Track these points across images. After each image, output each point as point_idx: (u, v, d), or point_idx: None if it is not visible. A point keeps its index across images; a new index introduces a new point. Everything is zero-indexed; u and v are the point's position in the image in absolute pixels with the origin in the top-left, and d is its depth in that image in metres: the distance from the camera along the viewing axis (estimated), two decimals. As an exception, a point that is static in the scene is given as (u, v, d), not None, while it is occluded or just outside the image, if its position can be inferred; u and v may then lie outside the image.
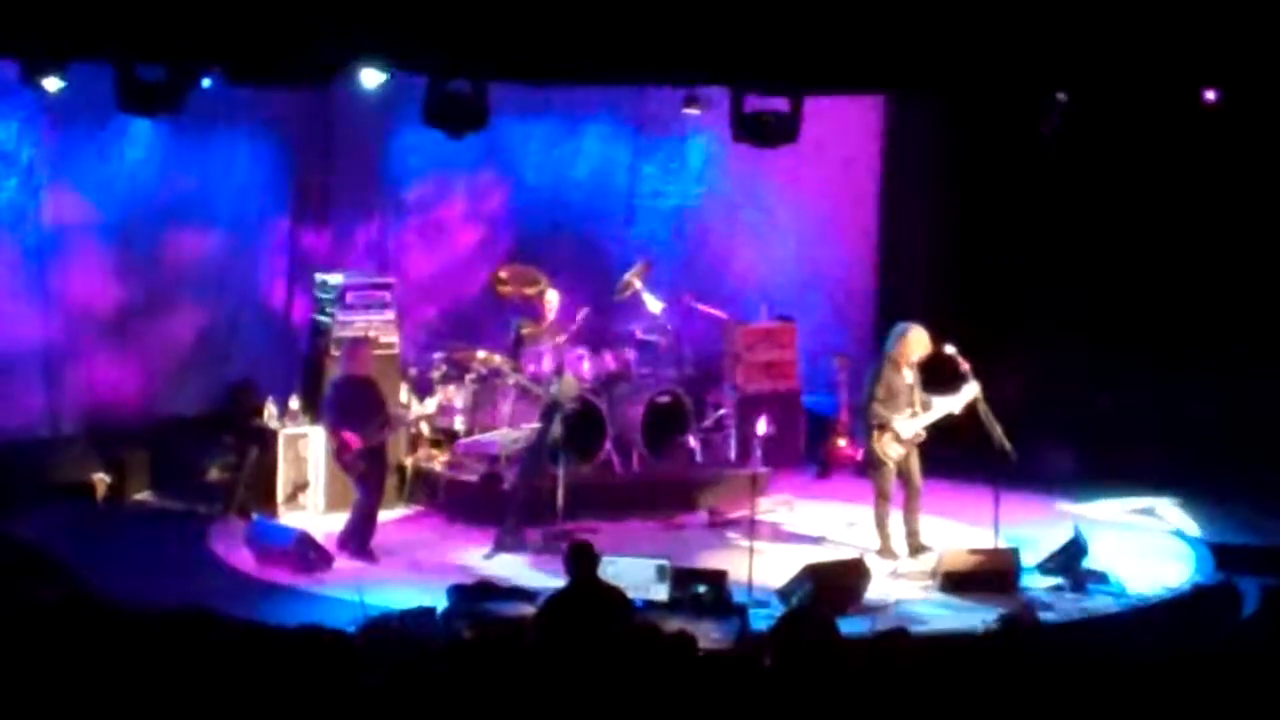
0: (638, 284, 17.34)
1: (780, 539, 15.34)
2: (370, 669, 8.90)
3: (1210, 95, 14.72)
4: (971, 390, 14.49)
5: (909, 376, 14.70)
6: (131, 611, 9.43)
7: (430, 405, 15.77)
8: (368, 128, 17.37)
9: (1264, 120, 15.86)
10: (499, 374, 16.47)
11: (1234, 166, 16.81)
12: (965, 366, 14.56)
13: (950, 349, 14.61)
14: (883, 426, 14.60)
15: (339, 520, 15.04)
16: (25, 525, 14.49)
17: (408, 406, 15.96)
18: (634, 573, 12.81)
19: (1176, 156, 16.79)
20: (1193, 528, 15.74)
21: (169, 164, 16.64)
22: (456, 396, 16.47)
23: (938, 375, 14.79)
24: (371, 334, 16.04)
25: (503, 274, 17.22)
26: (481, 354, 16.52)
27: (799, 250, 19.10)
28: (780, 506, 16.22)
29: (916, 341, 14.66)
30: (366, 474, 14.74)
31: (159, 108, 13.38)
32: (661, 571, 13.09)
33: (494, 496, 15.65)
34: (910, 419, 14.61)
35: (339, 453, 14.82)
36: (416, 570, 14.38)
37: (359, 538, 14.68)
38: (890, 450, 14.64)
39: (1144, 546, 15.37)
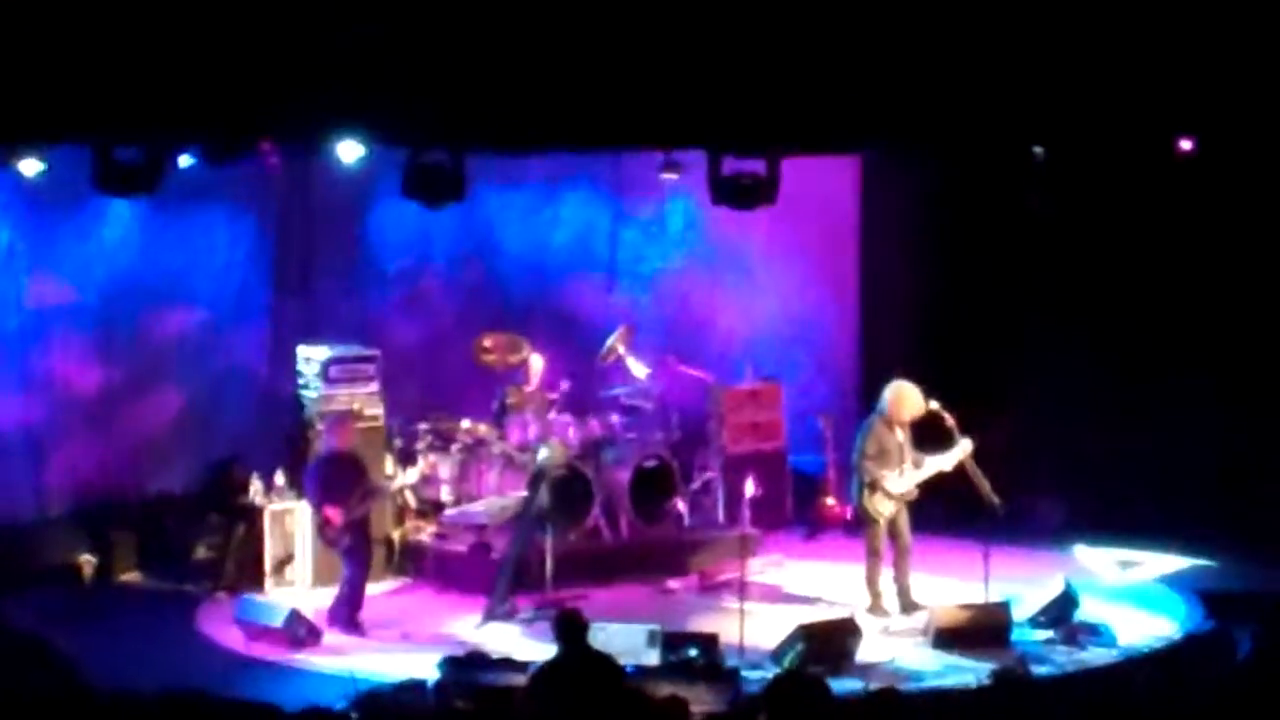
0: (621, 349, 17.34)
1: (771, 600, 15.30)
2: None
3: (1186, 145, 14.81)
4: (964, 448, 14.49)
5: (900, 435, 14.70)
6: (125, 696, 9.39)
7: (413, 475, 15.73)
8: (347, 201, 17.39)
9: (1241, 167, 15.93)
10: (484, 443, 16.46)
11: (1213, 213, 16.85)
12: (951, 422, 14.58)
13: (935, 405, 14.63)
14: (873, 484, 14.61)
15: (327, 595, 15.00)
16: (13, 609, 14.42)
17: (393, 478, 15.94)
18: (624, 639, 12.77)
19: (1156, 205, 16.84)
20: (1181, 576, 15.77)
21: (149, 243, 16.64)
22: (442, 467, 16.44)
23: (926, 432, 14.79)
24: (356, 407, 16.04)
25: (486, 343, 17.20)
26: (466, 423, 16.53)
27: (782, 310, 19.13)
28: (770, 567, 16.19)
29: (908, 399, 14.67)
30: (351, 548, 14.72)
31: (137, 188, 13.42)
32: (652, 636, 13.05)
33: (483, 566, 15.62)
34: (901, 477, 14.61)
35: (322, 529, 14.82)
36: (407, 642, 14.33)
37: (347, 612, 14.63)
38: (881, 508, 14.63)
39: (1135, 597, 15.37)
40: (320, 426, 15.89)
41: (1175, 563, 16.14)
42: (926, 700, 10.95)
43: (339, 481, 14.75)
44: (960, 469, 14.53)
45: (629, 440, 16.96)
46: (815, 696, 8.52)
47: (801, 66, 13.44)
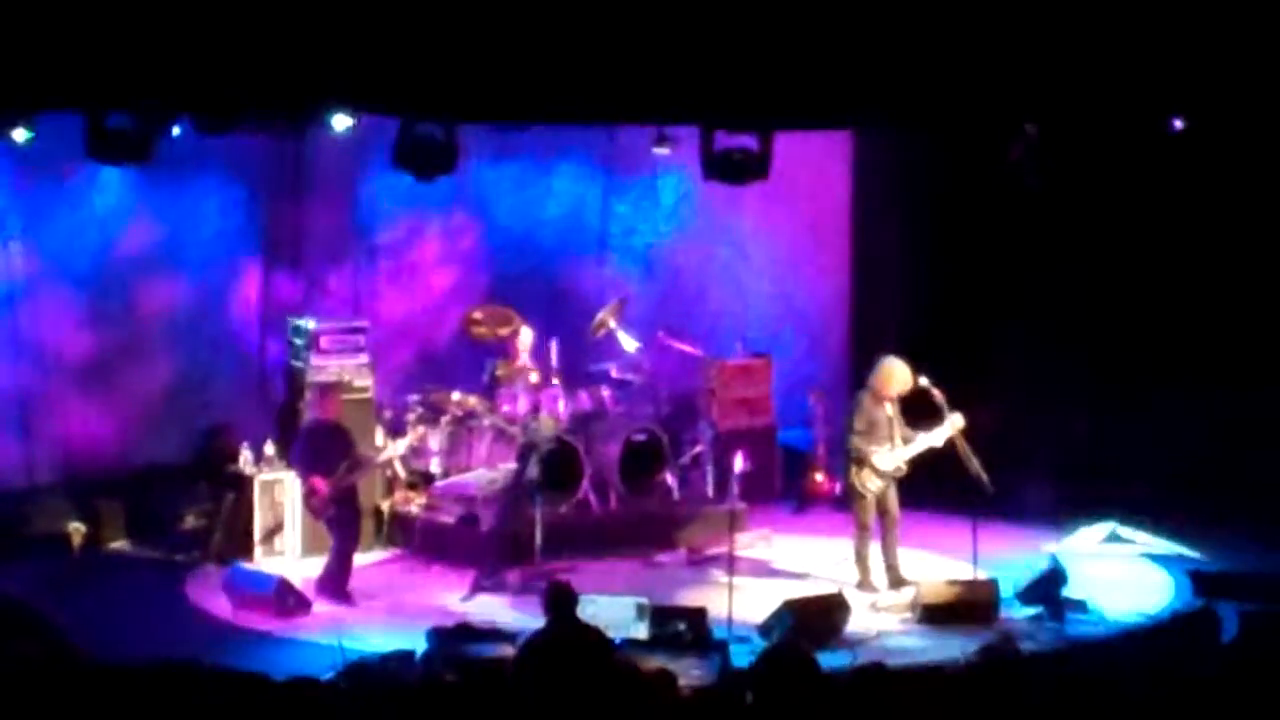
0: (612, 322, 17.34)
1: (759, 574, 15.32)
2: (351, 714, 8.86)
3: (1178, 124, 14.80)
4: (954, 423, 14.49)
5: (889, 410, 14.70)
6: (113, 664, 9.39)
7: (400, 446, 15.72)
8: (339, 172, 17.37)
9: (1236, 146, 15.93)
10: (474, 415, 16.46)
11: (1208, 190, 16.84)
12: (941, 399, 14.57)
13: (925, 381, 14.63)
14: (862, 460, 14.61)
15: (315, 565, 15.02)
16: (2, 577, 14.41)
17: (382, 449, 15.92)
18: (613, 612, 12.79)
19: (1148, 183, 16.83)
20: (1170, 554, 15.79)
21: (140, 212, 16.63)
22: (432, 438, 16.44)
23: (917, 408, 14.79)
24: (346, 378, 16.03)
25: (476, 315, 17.21)
26: (456, 395, 16.51)
27: (773, 286, 19.13)
28: (759, 542, 16.20)
29: (896, 375, 14.65)
30: (337, 518, 14.74)
31: (128, 156, 13.38)
32: (641, 610, 13.07)
33: (472, 538, 15.63)
34: (890, 452, 14.61)
35: (308, 498, 14.83)
36: (395, 613, 14.34)
37: (335, 582, 14.65)
38: (869, 483, 14.63)
39: (1122, 574, 15.39)
40: (310, 397, 15.89)
41: (1164, 543, 16.14)
42: (914, 676, 10.93)
43: (325, 452, 14.75)
44: (950, 445, 14.54)
45: (619, 414, 16.96)
46: (803, 671, 8.53)
47: (794, 42, 13.42)
